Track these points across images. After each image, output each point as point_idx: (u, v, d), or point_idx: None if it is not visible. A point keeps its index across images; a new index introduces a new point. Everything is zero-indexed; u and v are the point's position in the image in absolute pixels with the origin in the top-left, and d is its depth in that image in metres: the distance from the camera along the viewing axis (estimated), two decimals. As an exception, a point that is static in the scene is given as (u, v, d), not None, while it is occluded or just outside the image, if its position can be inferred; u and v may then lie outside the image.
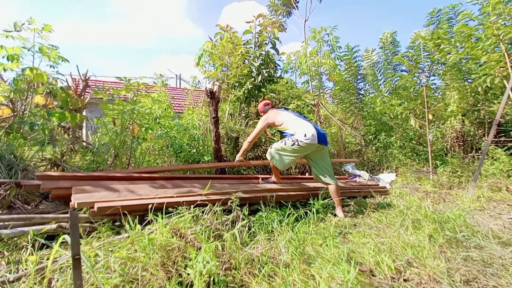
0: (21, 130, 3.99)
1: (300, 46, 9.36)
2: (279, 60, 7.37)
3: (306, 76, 9.43)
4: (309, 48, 9.05)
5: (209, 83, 6.80)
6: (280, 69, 8.14)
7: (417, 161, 7.61)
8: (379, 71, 9.81)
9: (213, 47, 6.53)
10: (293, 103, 6.39)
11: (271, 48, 6.77)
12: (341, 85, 9.08)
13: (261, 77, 6.41)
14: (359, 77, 9.74)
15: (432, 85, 8.29)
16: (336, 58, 9.09)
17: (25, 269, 1.89)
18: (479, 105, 7.50)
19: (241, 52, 6.03)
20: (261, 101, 4.68)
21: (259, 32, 6.52)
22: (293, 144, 3.78)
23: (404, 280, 2.02)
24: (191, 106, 6.95)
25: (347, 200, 4.41)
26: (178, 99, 14.41)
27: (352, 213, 3.78)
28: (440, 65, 7.55)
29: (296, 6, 13.23)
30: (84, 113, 6.29)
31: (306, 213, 3.30)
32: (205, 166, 4.71)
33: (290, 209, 3.21)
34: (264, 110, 4.35)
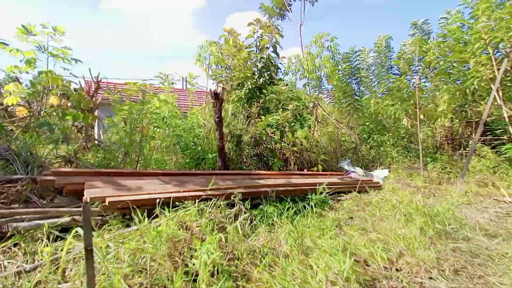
0: (38, 130, 3.99)
1: (303, 50, 9.36)
2: (279, 63, 7.36)
3: (306, 79, 9.43)
4: (310, 52, 9.06)
5: (213, 83, 6.80)
6: (281, 71, 8.12)
7: (409, 158, 7.59)
8: (373, 74, 9.79)
9: (218, 49, 6.52)
10: (293, 103, 6.37)
11: (272, 52, 6.76)
12: (339, 88, 9.07)
13: (263, 79, 6.40)
14: (355, 79, 9.73)
15: (423, 87, 8.26)
16: (336, 63, 9.10)
17: (41, 260, 1.89)
18: (466, 105, 7.47)
19: (244, 56, 6.02)
20: None
21: (260, 36, 6.50)
22: None
23: (396, 269, 2.02)
24: (194, 107, 6.94)
25: (343, 194, 4.40)
26: (185, 100, 14.43)
27: None
28: (430, 69, 7.53)
29: (290, 8, 13.01)
30: (96, 113, 6.28)
31: (304, 207, 3.30)
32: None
33: (289, 203, 3.20)
34: None
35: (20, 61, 4.08)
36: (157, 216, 2.39)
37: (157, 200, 2.51)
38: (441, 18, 7.39)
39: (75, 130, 6.19)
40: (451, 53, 6.21)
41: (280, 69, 7.23)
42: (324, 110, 9.17)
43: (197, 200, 2.64)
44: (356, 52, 9.47)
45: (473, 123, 7.24)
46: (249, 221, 2.67)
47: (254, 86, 6.21)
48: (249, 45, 6.67)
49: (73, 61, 4.47)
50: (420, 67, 7.41)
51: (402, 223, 2.88)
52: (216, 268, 1.77)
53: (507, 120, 5.38)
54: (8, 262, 1.87)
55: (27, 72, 4.15)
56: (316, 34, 8.72)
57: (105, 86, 13.01)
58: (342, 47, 9.68)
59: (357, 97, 9.72)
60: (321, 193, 3.77)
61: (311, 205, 3.29)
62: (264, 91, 6.58)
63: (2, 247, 2.03)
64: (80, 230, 1.74)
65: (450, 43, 6.13)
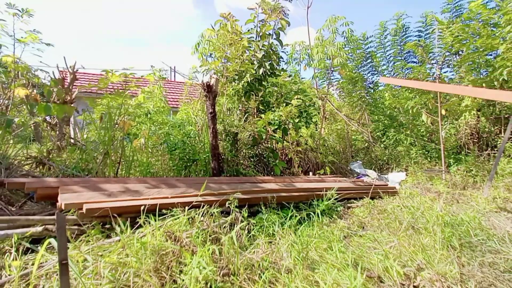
0: (7, 127, 3.96)
1: (308, 34, 9.28)
2: (282, 51, 7.34)
3: (310, 69, 9.42)
4: (320, 38, 8.99)
5: (206, 75, 6.78)
6: (283, 61, 8.09)
7: (429, 160, 7.60)
8: (389, 60, 9.80)
9: (213, 36, 6.51)
10: (297, 98, 6.38)
11: (274, 39, 6.74)
12: (350, 78, 9.03)
13: (263, 70, 6.39)
14: (368, 67, 9.73)
15: (445, 77, 8.26)
16: (350, 51, 9.04)
17: (9, 275, 1.88)
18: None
19: (243, 44, 6.01)
20: None
21: (262, 21, 6.48)
22: None
23: (414, 286, 2.02)
24: (186, 101, 6.93)
25: (354, 201, 4.42)
26: (173, 93, 14.38)
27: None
28: (454, 55, 7.53)
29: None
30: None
31: (309, 215, 3.30)
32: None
33: (292, 210, 3.21)
34: None
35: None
36: (141, 226, 2.39)
37: (142, 207, 2.51)
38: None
39: (48, 127, 6.18)
40: (478, 37, 6.18)
41: (283, 58, 7.23)
42: (333, 105, 9.18)
43: (187, 207, 2.64)
44: (367, 38, 9.49)
45: (502, 120, 7.25)
46: (246, 231, 2.67)
47: (253, 78, 6.21)
48: (248, 31, 6.66)
49: (44, 45, 4.41)
50: (440, 55, 7.41)
51: (421, 233, 2.89)
52: (208, 285, 1.78)
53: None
54: (-29, 278, 1.87)
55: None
56: (330, 17, 8.62)
57: (82, 77, 13.01)
58: (354, 26, 9.51)
59: (369, 89, 9.73)
60: (329, 199, 3.78)
61: (317, 213, 3.30)
62: (264, 83, 6.58)
63: (-36, 261, 2.03)
64: (54, 242, 1.74)
65: (476, 25, 6.11)
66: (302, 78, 10.28)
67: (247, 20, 6.51)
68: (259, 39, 6.61)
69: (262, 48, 6.49)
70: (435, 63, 7.59)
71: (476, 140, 7.46)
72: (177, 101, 10.95)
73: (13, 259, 2.04)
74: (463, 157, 7.02)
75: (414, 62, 9.45)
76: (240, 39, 6.02)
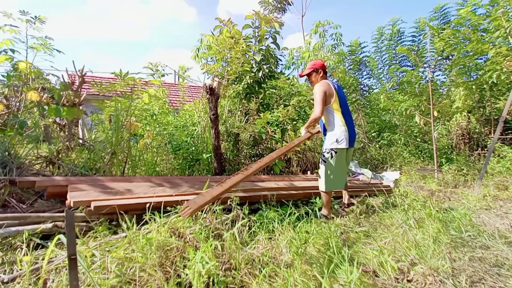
0: (19, 128, 3.96)
1: (304, 41, 9.31)
2: (280, 55, 7.35)
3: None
4: (312, 42, 8.99)
5: (208, 78, 6.78)
6: (282, 64, 8.10)
7: (422, 159, 7.59)
8: (384, 64, 9.80)
9: (213, 41, 6.51)
10: (294, 99, 6.38)
11: (271, 43, 6.76)
12: (345, 82, 9.05)
13: (262, 73, 6.40)
14: (364, 72, 9.73)
15: (437, 80, 8.26)
16: (340, 54, 9.06)
17: (20, 270, 1.88)
18: (484, 101, 7.48)
19: (242, 47, 6.01)
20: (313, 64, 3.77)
21: (259, 26, 6.50)
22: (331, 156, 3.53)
23: (408, 280, 2.02)
24: (188, 102, 6.94)
25: (350, 199, 4.41)
26: (177, 95, 14.44)
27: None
28: (445, 59, 7.53)
29: (291, 1, 13.28)
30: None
31: (307, 212, 3.30)
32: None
33: (291, 208, 3.20)
34: (318, 71, 3.67)
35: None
36: (147, 222, 2.39)
37: (147, 205, 2.51)
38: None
39: (57, 128, 6.18)
40: (468, 42, 6.18)
41: (281, 61, 7.24)
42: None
43: (190, 205, 2.64)
44: (360, 44, 9.50)
45: (492, 121, 7.25)
46: (247, 228, 2.67)
47: (252, 80, 6.22)
48: (246, 36, 6.67)
49: (55, 51, 4.43)
50: (432, 59, 7.41)
51: (414, 229, 2.89)
52: (211, 279, 1.77)
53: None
54: (-16, 273, 1.87)
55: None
56: (316, 22, 8.67)
57: (91, 80, 13.04)
58: (347, 36, 9.57)
59: (364, 92, 9.72)
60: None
61: (315, 210, 3.29)
62: (263, 85, 6.58)
63: (-23, 256, 2.03)
64: (63, 237, 1.74)
65: (466, 30, 6.11)
66: (301, 83, 10.32)
67: (245, 25, 6.52)
68: (257, 43, 6.62)
69: (260, 51, 6.51)
70: (428, 66, 7.57)
71: (467, 141, 7.46)
72: (178, 102, 10.99)
73: (24, 255, 2.04)
74: (454, 157, 7.02)
75: (408, 65, 9.45)
76: (238, 42, 6.02)
